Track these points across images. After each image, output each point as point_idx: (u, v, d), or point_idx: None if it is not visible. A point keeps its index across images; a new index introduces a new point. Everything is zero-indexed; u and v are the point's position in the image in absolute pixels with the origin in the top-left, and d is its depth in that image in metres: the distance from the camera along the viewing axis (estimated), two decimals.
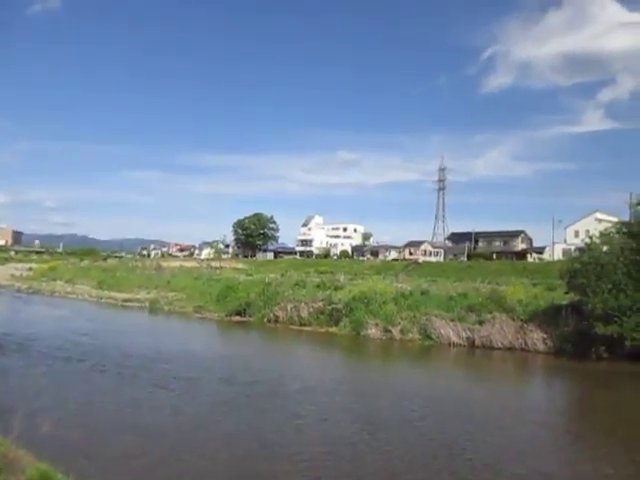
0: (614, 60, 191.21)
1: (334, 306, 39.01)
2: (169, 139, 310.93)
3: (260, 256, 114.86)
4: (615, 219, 40.57)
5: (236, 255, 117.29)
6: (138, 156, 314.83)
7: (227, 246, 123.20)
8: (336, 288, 43.51)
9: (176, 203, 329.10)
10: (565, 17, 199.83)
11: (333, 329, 37.60)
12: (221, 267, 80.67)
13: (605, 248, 30.51)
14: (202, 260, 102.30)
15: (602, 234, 32.30)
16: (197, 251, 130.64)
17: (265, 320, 41.48)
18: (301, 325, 39.47)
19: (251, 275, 61.85)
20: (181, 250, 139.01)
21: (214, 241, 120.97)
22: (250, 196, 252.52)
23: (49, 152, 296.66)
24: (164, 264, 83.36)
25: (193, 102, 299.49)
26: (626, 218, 33.97)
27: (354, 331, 35.96)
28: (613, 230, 32.77)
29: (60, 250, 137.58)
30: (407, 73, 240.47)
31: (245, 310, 43.44)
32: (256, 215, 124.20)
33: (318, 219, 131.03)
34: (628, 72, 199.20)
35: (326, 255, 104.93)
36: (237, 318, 43.23)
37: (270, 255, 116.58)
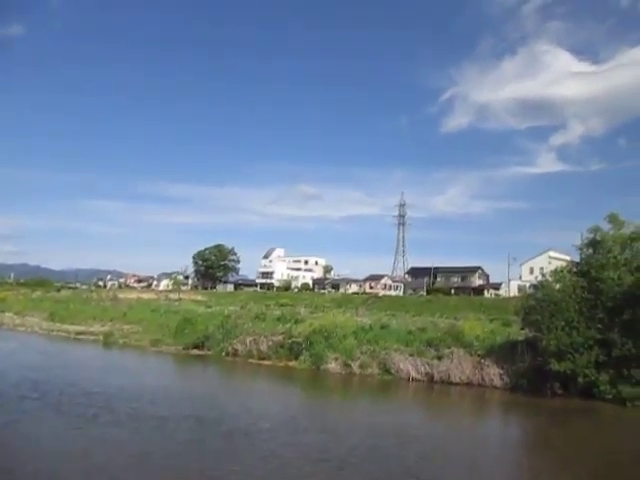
0: (565, 106, 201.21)
1: (294, 340, 38.74)
2: (129, 168, 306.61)
3: (220, 288, 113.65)
4: (567, 257, 42.03)
5: (195, 287, 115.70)
6: (95, 184, 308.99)
7: (187, 277, 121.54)
8: (296, 321, 43.29)
9: (135, 233, 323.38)
10: (520, 64, 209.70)
11: (293, 363, 37.25)
12: (180, 299, 79.37)
13: (558, 286, 31.40)
14: (160, 292, 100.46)
15: (555, 272, 33.26)
16: (155, 282, 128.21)
17: (224, 354, 40.81)
18: (260, 359, 38.97)
19: (210, 307, 61.07)
20: (139, 281, 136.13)
21: (173, 272, 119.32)
22: (211, 227, 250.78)
23: None
24: (121, 295, 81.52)
25: (154, 131, 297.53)
26: (577, 257, 35.25)
27: (314, 365, 35.73)
28: (565, 269, 33.76)
29: (10, 280, 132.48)
30: (371, 111, 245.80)
31: (203, 343, 42.67)
32: (217, 246, 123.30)
33: (279, 251, 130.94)
34: (578, 118, 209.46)
35: (287, 288, 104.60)
36: (195, 351, 42.40)
37: (230, 287, 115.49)
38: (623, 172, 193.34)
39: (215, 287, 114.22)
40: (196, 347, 42.80)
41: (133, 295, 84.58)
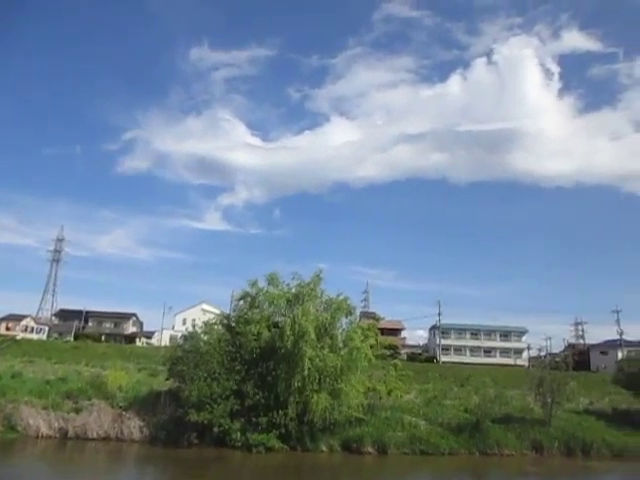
0: (235, 172, 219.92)
1: None
2: None
3: None
4: (218, 311, 44.82)
5: None
6: None
7: None
8: None
9: None
10: (202, 125, 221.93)
11: None
12: None
13: (205, 337, 32.97)
14: None
15: (205, 324, 34.92)
16: None
17: None
18: None
19: None
20: None
21: None
22: None
23: None
24: None
25: None
26: (227, 311, 37.85)
27: None
28: (215, 321, 35.76)
29: None
30: (40, 133, 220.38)
31: None
32: None
33: None
34: (244, 185, 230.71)
35: None
36: None
37: None
38: (275, 239, 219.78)
39: None
40: None
41: None
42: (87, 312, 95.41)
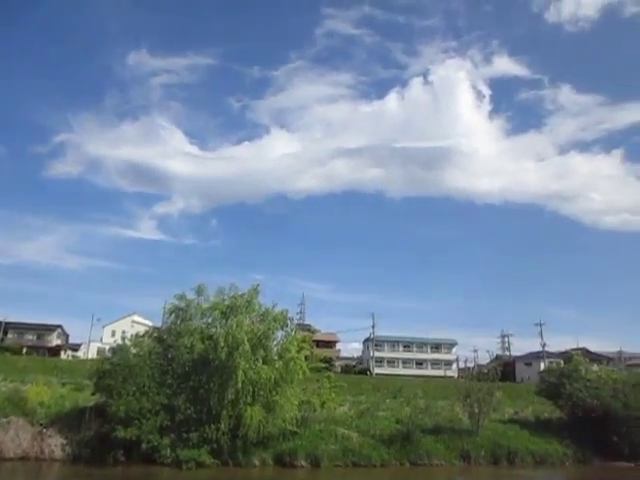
0: (172, 181, 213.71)
1: None
2: None
3: None
4: (150, 323, 43.52)
5: None
6: None
7: None
8: None
9: None
10: (138, 131, 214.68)
11: None
12: None
13: (135, 350, 31.85)
14: None
15: (135, 336, 33.77)
16: None
17: None
18: None
19: None
20: None
21: None
22: None
23: None
24: None
25: None
26: (160, 323, 36.75)
27: None
28: (146, 333, 34.68)
29: None
30: None
31: None
32: None
33: None
34: (181, 194, 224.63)
35: None
36: None
37: None
38: (211, 249, 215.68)
39: None
40: None
41: None
42: (7, 323, 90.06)
